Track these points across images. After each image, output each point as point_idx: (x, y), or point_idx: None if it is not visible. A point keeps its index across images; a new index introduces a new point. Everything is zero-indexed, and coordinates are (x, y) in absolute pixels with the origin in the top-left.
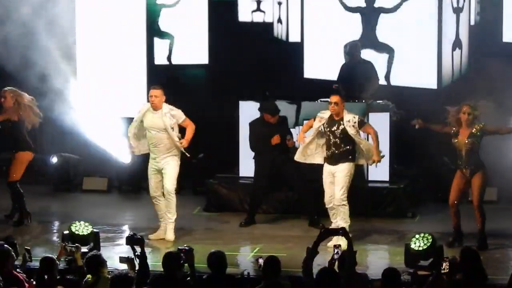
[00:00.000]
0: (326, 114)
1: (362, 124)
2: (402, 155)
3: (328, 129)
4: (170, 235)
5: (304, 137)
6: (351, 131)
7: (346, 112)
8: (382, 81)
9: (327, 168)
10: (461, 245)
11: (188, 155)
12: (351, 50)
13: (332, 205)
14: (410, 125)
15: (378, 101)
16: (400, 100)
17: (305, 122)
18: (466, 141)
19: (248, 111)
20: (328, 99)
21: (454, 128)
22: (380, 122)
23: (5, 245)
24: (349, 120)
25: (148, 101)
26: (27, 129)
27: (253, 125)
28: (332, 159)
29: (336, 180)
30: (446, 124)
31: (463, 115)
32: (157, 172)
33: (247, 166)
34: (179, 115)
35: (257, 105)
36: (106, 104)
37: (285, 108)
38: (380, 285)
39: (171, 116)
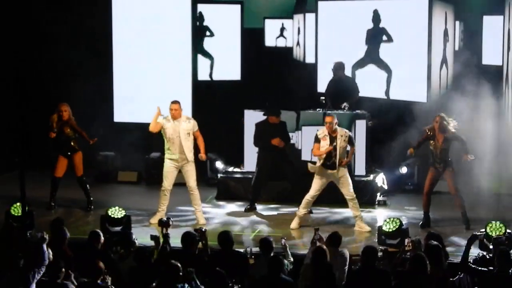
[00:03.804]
0: (325, 131)
1: (351, 142)
2: (376, 154)
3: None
4: (203, 220)
5: (321, 153)
6: (343, 144)
7: (338, 128)
8: (383, 96)
9: (326, 172)
10: (429, 227)
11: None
12: (336, 68)
13: (312, 200)
14: (407, 155)
15: (357, 111)
16: (396, 112)
17: (303, 128)
18: (441, 144)
19: (252, 118)
20: (320, 110)
21: (430, 133)
22: (359, 127)
23: (61, 226)
24: (342, 135)
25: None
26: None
27: (258, 125)
28: (334, 166)
29: (343, 182)
30: (423, 136)
31: (435, 124)
32: (176, 169)
33: (250, 162)
34: (195, 124)
35: (257, 113)
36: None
37: (287, 116)
38: (359, 260)
39: (188, 123)
